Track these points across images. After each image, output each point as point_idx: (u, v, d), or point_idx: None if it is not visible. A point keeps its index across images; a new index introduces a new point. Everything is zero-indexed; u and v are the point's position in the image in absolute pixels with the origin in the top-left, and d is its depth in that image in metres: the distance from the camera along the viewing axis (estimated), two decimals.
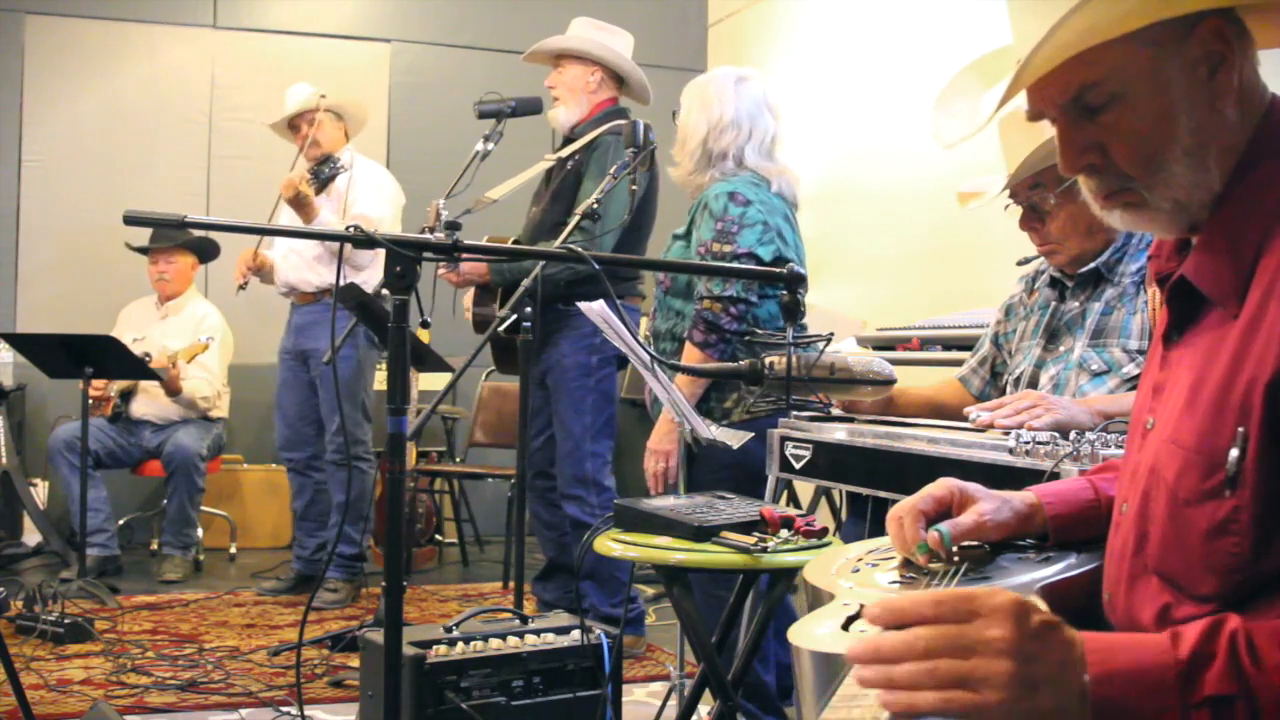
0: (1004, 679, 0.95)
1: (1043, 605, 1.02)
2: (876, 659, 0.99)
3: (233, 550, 5.87)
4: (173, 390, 5.20)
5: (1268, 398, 1.07)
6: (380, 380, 5.53)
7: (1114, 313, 2.29)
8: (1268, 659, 0.98)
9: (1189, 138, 1.18)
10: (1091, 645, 0.99)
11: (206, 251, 5.61)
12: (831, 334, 2.36)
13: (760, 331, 2.90)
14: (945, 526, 1.34)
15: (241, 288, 4.89)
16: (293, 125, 4.85)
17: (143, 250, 5.51)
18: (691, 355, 2.93)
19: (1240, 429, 1.09)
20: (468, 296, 4.15)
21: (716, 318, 2.91)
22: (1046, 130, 1.30)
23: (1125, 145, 1.20)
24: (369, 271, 4.67)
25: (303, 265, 4.77)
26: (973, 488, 1.40)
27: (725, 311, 2.91)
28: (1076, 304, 2.37)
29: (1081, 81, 1.20)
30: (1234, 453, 1.09)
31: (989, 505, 1.37)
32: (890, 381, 2.37)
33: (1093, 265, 2.33)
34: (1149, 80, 1.19)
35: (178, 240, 5.44)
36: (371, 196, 4.73)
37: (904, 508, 1.38)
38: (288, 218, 4.69)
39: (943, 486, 1.40)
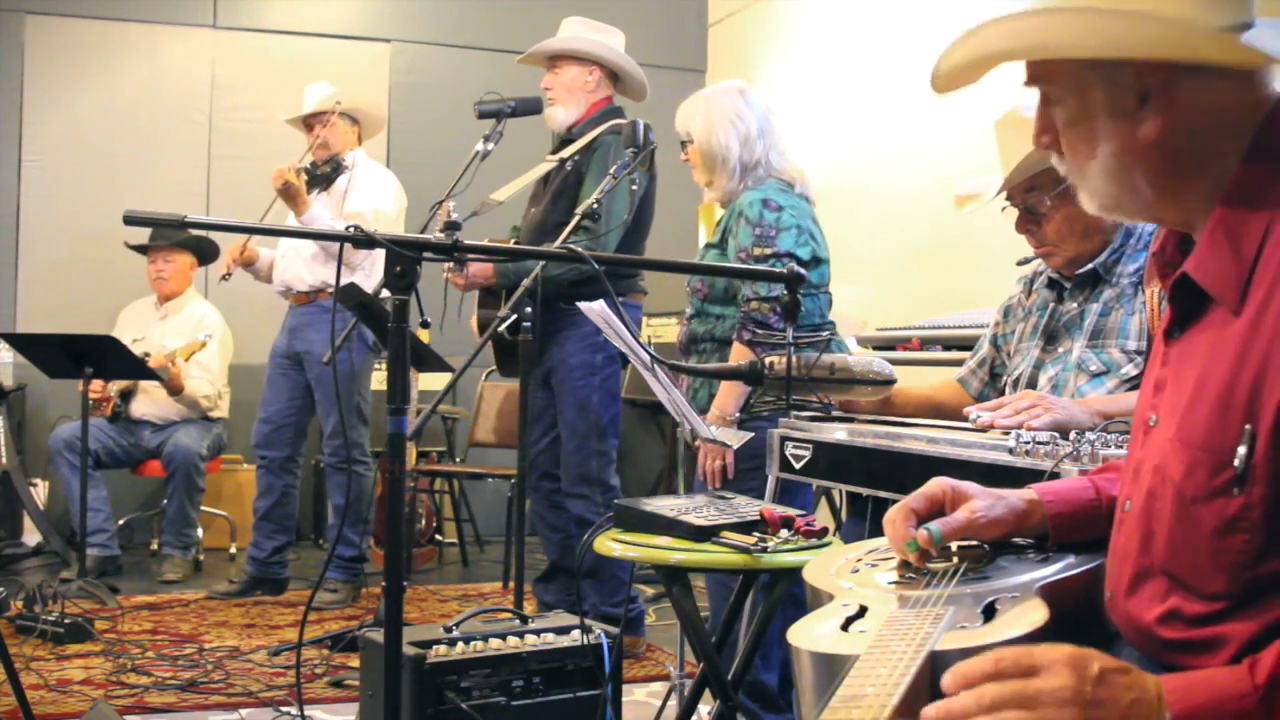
0: None
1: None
2: (949, 714, 1.01)
3: (233, 550, 5.87)
4: (175, 389, 5.20)
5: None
6: (380, 381, 5.53)
7: (1112, 313, 2.29)
8: None
9: (1109, 159, 1.22)
10: (1170, 685, 1.01)
11: (205, 251, 5.61)
12: (831, 334, 2.36)
13: (760, 331, 2.92)
14: (935, 524, 1.34)
15: (224, 278, 4.90)
16: (307, 123, 4.87)
17: (141, 249, 5.51)
18: (741, 354, 2.99)
19: (1247, 426, 1.09)
20: (475, 318, 4.15)
21: (765, 317, 2.98)
22: None
23: (1063, 140, 1.27)
24: (363, 272, 4.67)
25: (298, 263, 4.77)
26: (967, 485, 1.40)
27: (774, 311, 2.97)
28: (1075, 305, 2.37)
29: (1031, 73, 1.26)
30: (1241, 450, 1.09)
31: (982, 502, 1.37)
32: (890, 381, 2.37)
33: (1090, 266, 2.34)
34: (1076, 95, 1.23)
35: (176, 239, 5.45)
36: (368, 197, 4.72)
37: (897, 508, 1.39)
38: (286, 215, 4.69)
39: (936, 485, 1.40)
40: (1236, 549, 1.09)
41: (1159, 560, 1.18)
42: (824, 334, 2.94)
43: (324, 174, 4.80)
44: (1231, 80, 1.19)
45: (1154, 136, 1.20)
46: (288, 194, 4.49)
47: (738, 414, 2.99)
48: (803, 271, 2.27)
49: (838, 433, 2.36)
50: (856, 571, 1.40)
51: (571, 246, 2.25)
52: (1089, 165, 1.24)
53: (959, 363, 2.75)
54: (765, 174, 3.14)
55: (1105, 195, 1.25)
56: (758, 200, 3.04)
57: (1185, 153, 1.20)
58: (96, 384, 5.08)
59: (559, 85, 4.04)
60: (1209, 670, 1.04)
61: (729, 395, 3.00)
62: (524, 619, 2.60)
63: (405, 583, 2.50)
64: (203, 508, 5.46)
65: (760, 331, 2.96)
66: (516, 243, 4.10)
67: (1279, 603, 1.07)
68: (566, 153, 3.92)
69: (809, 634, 1.20)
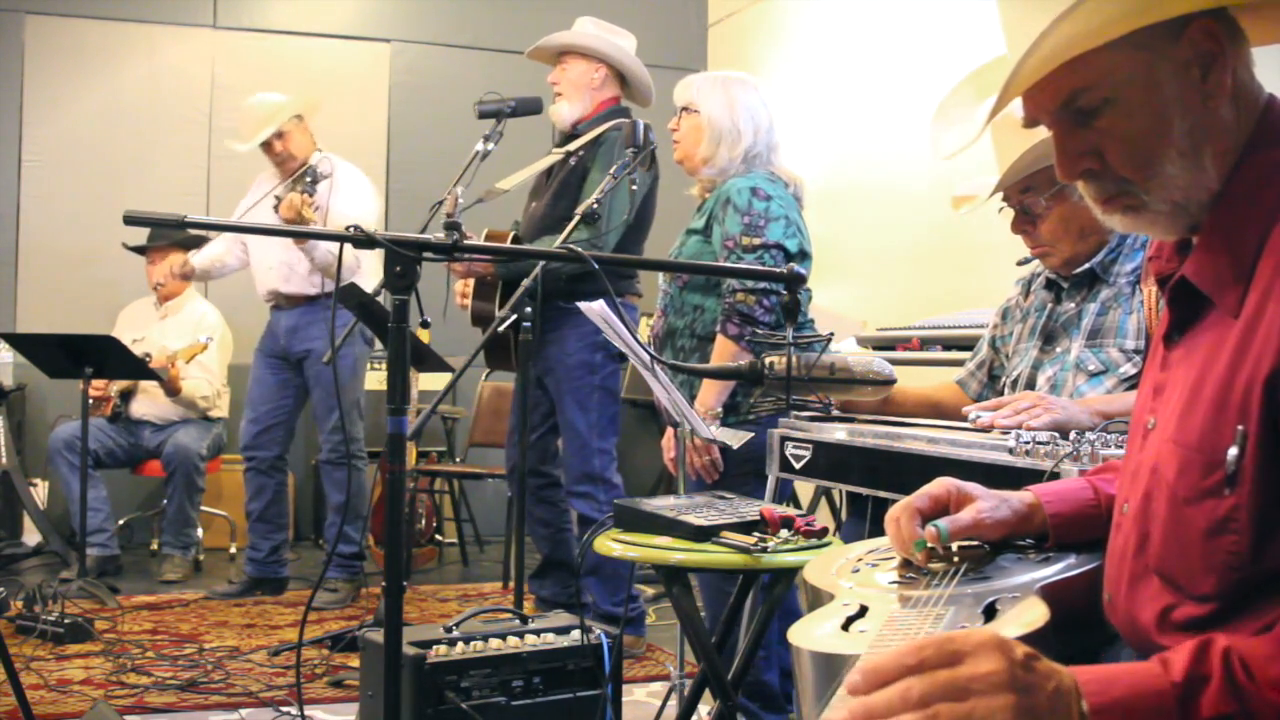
0: (1007, 713, 0.93)
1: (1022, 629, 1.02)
2: (869, 714, 0.95)
3: (233, 550, 5.87)
4: (172, 390, 5.20)
5: (1265, 393, 1.07)
6: (379, 381, 5.53)
7: (1110, 313, 2.29)
8: (1263, 674, 0.98)
9: (1184, 139, 1.19)
10: (1084, 677, 0.99)
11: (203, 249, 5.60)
12: (832, 334, 2.36)
13: (760, 331, 2.90)
14: (943, 522, 1.34)
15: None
16: (265, 144, 4.78)
17: (140, 250, 5.50)
18: (725, 347, 2.94)
19: (1240, 427, 1.09)
20: (463, 283, 4.13)
21: (751, 310, 2.93)
22: (1041, 133, 1.31)
23: (1120, 149, 1.21)
24: (357, 281, 4.64)
25: (295, 278, 4.76)
26: (970, 486, 1.40)
27: (759, 304, 2.93)
28: (1073, 305, 2.37)
29: (1073, 87, 1.21)
30: (1233, 451, 1.09)
31: (987, 503, 1.37)
32: (890, 381, 2.37)
33: (1088, 266, 2.34)
34: (1141, 84, 1.19)
35: (174, 239, 5.43)
36: (353, 205, 4.66)
37: (901, 507, 1.39)
38: (259, 215, 4.66)
39: (940, 485, 1.40)
40: (1226, 550, 1.09)
41: (1153, 561, 1.18)
42: (826, 334, 2.92)
43: (313, 191, 4.69)
44: (1246, 59, 1.20)
45: (1225, 106, 1.19)
46: (299, 224, 4.40)
47: (720, 409, 2.97)
48: (803, 272, 2.27)
49: (838, 433, 2.36)
50: (857, 571, 1.40)
51: (572, 246, 2.25)
52: (1163, 157, 1.19)
53: (959, 363, 2.75)
54: (763, 167, 3.11)
55: (1183, 187, 1.19)
56: (746, 188, 3.00)
57: (1234, 127, 1.20)
58: (97, 384, 5.08)
59: (565, 81, 4.04)
60: (1120, 665, 1.03)
61: (711, 390, 2.97)
62: (524, 619, 2.60)
63: (405, 583, 2.50)
64: (203, 508, 5.46)
65: (747, 327, 2.92)
66: (515, 238, 4.11)
67: (1267, 605, 1.07)
68: (572, 146, 3.92)
69: (809, 634, 1.20)
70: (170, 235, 5.39)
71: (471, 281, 4.08)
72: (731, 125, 3.09)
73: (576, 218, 3.18)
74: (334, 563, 4.71)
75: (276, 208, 4.53)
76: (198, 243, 5.52)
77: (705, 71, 3.31)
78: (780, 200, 3.01)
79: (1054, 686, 0.96)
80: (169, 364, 5.11)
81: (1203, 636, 1.02)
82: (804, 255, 3.02)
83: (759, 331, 2.91)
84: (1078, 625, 1.27)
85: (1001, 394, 2.49)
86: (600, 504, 3.88)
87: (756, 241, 2.94)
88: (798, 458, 2.45)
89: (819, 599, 1.33)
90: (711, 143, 3.12)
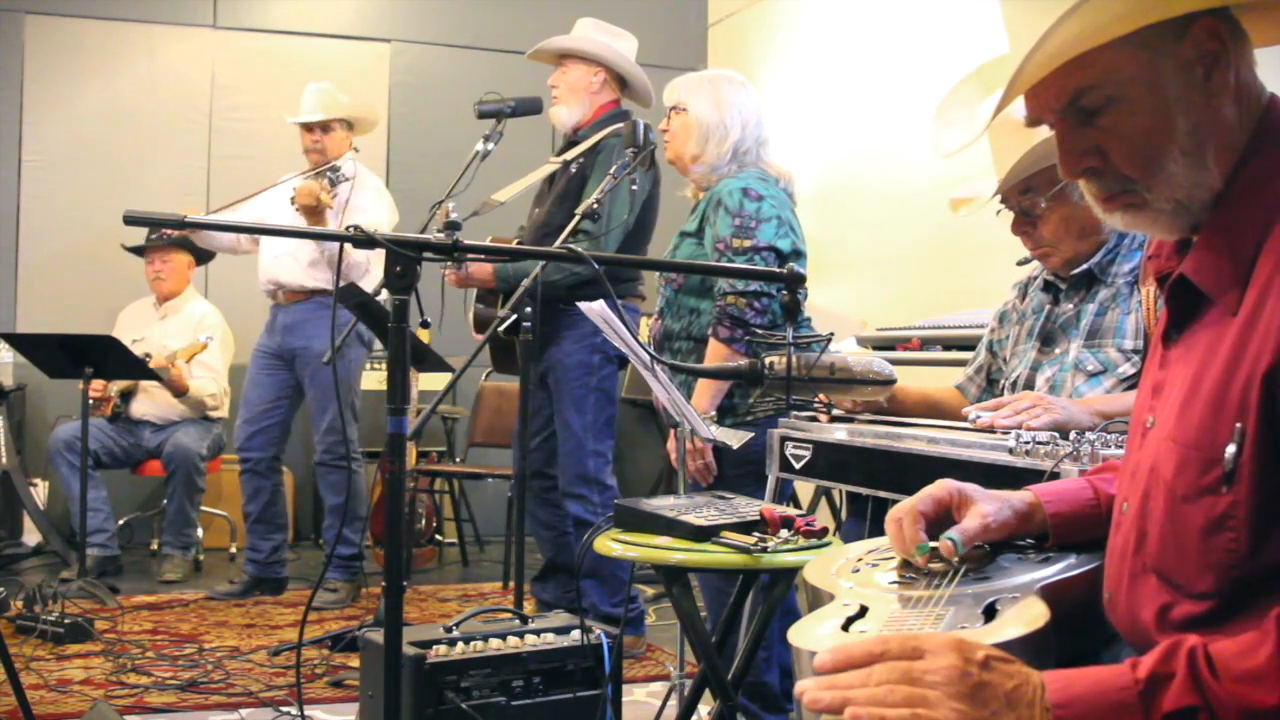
0: (959, 701, 1.00)
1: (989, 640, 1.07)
2: (833, 687, 1.04)
3: (233, 550, 5.87)
4: (179, 390, 5.20)
5: (1263, 390, 1.08)
6: (378, 381, 5.53)
7: (1108, 313, 2.29)
8: (1226, 670, 1.00)
9: (1187, 138, 1.19)
10: (1051, 675, 1.03)
11: (202, 251, 5.60)
12: (832, 334, 2.36)
13: (760, 331, 2.90)
14: (956, 534, 1.33)
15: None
16: (306, 125, 4.81)
17: (138, 250, 5.50)
18: (717, 351, 2.94)
19: (1238, 425, 1.09)
20: (453, 274, 4.13)
21: (742, 312, 2.92)
22: (1036, 135, 1.31)
23: (1124, 147, 1.21)
24: (363, 283, 4.64)
25: (297, 269, 4.75)
26: (971, 488, 1.40)
27: (750, 306, 2.92)
28: (1071, 306, 2.37)
29: (1077, 86, 1.21)
30: (1231, 448, 1.09)
31: (990, 506, 1.37)
32: (890, 381, 2.37)
33: (1086, 266, 2.34)
34: (1144, 82, 1.19)
35: (172, 239, 5.41)
36: (369, 210, 4.68)
37: (903, 509, 1.38)
38: (273, 204, 4.65)
39: (942, 488, 1.40)
40: (1223, 547, 1.10)
41: (1151, 560, 1.19)
42: (826, 334, 2.92)
43: (336, 181, 4.69)
44: (1249, 58, 1.20)
45: (1228, 105, 1.19)
46: (314, 211, 4.40)
47: (714, 412, 2.97)
48: (802, 272, 2.27)
49: (838, 433, 2.36)
50: (857, 571, 1.40)
51: (571, 247, 2.25)
52: (1166, 155, 1.19)
53: (959, 363, 2.75)
54: (754, 164, 3.10)
55: (1185, 186, 1.19)
56: (738, 189, 2.99)
57: (1236, 127, 1.20)
58: (97, 384, 5.08)
59: (565, 84, 4.04)
60: (1091, 667, 1.05)
61: (705, 394, 2.97)
62: (524, 619, 2.60)
63: (405, 583, 2.50)
64: (203, 508, 5.46)
65: (738, 330, 2.92)
66: (519, 243, 4.10)
67: (1264, 602, 1.07)
68: (571, 154, 3.92)
69: (809, 634, 1.20)
70: (170, 234, 5.37)
71: (474, 291, 4.09)
72: (719, 121, 3.09)
73: (576, 218, 3.18)
74: (333, 564, 4.71)
75: (293, 198, 4.50)
76: (199, 246, 5.51)
77: (699, 71, 3.30)
78: (772, 200, 3.00)
79: (1014, 685, 1.02)
80: (169, 364, 5.11)
81: (1175, 637, 1.05)
82: (798, 254, 3.01)
83: (758, 332, 2.90)
84: (1078, 625, 1.27)
85: (1001, 396, 2.48)
86: (594, 506, 3.87)
87: (747, 244, 2.94)
88: (798, 458, 2.45)
89: (819, 599, 1.33)
90: (700, 140, 3.12)
